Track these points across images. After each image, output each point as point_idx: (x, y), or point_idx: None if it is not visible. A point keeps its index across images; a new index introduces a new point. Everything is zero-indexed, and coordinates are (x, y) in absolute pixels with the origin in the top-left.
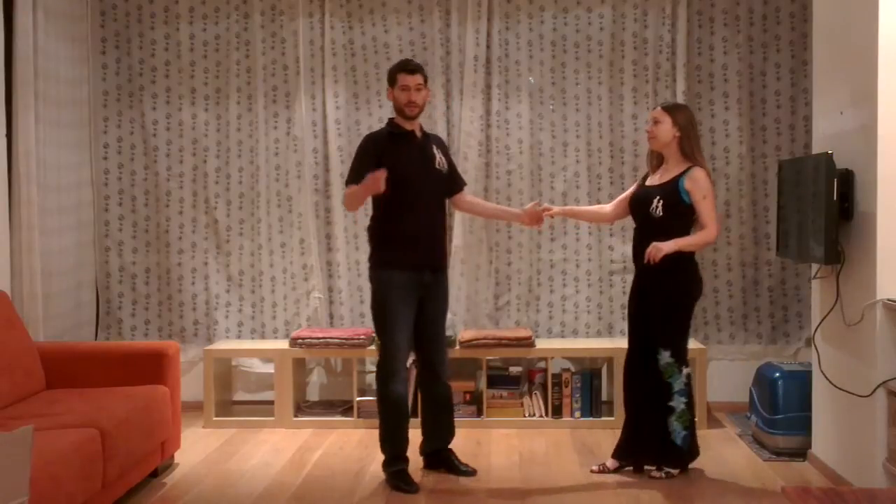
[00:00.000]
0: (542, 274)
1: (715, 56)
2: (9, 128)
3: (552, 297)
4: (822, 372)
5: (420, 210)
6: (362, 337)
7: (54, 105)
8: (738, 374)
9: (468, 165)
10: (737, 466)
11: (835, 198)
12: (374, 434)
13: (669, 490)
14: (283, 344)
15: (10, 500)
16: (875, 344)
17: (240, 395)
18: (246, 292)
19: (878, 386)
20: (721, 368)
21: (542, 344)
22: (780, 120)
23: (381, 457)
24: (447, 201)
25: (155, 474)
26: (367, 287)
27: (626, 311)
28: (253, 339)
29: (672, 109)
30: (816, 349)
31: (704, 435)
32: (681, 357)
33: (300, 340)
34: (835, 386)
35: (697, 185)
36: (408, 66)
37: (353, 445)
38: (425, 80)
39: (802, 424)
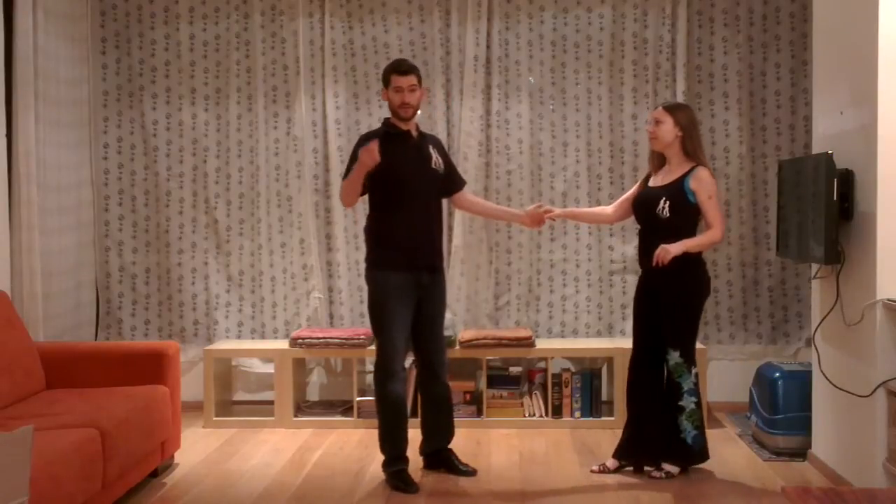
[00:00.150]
0: (542, 274)
1: (715, 56)
2: (9, 128)
3: (552, 297)
4: (822, 372)
5: (416, 210)
6: (362, 337)
7: (54, 105)
8: (738, 374)
9: (468, 165)
10: (737, 466)
11: (835, 198)
12: (374, 434)
13: (669, 490)
14: (283, 344)
15: (10, 500)
16: (875, 344)
17: (240, 395)
18: (246, 292)
19: (878, 386)
20: (721, 368)
21: (542, 344)
22: (780, 120)
23: (381, 457)
24: (448, 201)
25: (155, 474)
26: (366, 287)
27: (625, 312)
28: (253, 339)
29: (673, 109)
30: (816, 349)
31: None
32: (690, 357)
33: (300, 340)
34: (835, 386)
35: (703, 184)
36: (400, 68)
37: (353, 445)
38: (419, 81)
39: (802, 424)
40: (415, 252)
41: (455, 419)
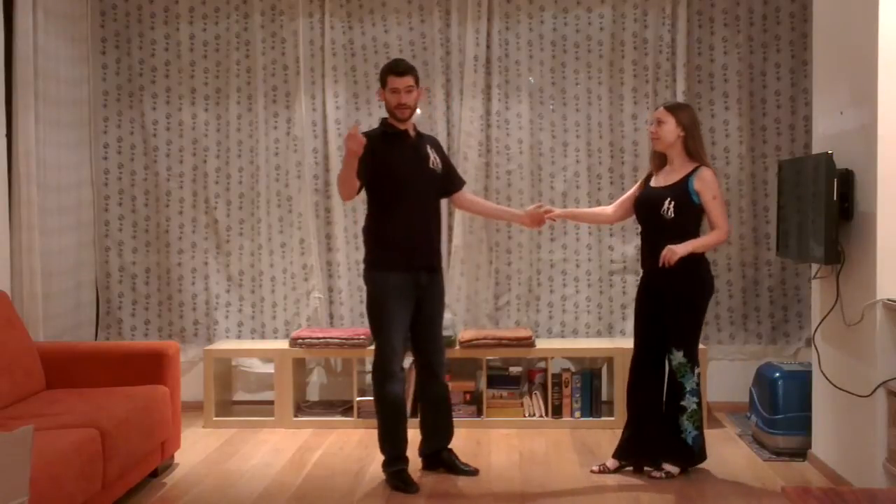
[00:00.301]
0: (542, 274)
1: (715, 56)
2: (9, 128)
3: (552, 297)
4: (822, 372)
5: (414, 210)
6: (362, 337)
7: (54, 105)
8: (738, 374)
9: (468, 165)
10: (737, 466)
11: (835, 198)
12: (374, 434)
13: (669, 490)
14: (283, 344)
15: (10, 500)
16: (875, 344)
17: (240, 395)
18: (246, 292)
19: (878, 386)
20: (721, 368)
21: (542, 344)
22: (780, 120)
23: (380, 457)
24: (447, 201)
25: (155, 474)
26: (365, 287)
27: (625, 312)
28: (253, 339)
29: (675, 109)
30: (816, 349)
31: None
32: (693, 357)
33: (300, 340)
34: (835, 386)
35: (707, 185)
36: (397, 69)
37: (353, 445)
38: (417, 81)
39: (802, 424)
40: (413, 252)
41: (455, 419)
